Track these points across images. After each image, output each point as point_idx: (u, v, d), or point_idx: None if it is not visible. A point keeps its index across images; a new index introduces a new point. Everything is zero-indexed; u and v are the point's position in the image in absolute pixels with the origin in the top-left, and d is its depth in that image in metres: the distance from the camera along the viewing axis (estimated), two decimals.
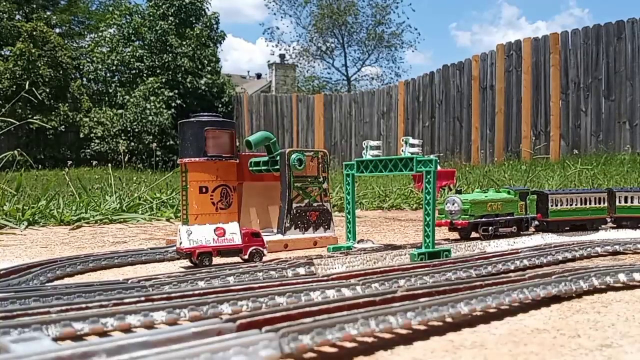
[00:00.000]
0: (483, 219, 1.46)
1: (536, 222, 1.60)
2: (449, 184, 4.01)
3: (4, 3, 14.78)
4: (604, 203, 1.70)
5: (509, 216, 1.53)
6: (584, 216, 1.65)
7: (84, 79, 15.07)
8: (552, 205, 1.60)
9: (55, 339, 0.61)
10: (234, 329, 0.55)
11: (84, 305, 0.71)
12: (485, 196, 1.51)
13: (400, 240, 1.67)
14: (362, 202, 3.33)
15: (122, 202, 2.68)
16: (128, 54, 14.47)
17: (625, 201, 1.71)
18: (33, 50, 12.78)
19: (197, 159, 1.28)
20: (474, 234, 1.51)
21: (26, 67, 12.69)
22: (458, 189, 1.58)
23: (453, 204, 1.46)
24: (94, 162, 8.98)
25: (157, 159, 12.29)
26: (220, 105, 14.00)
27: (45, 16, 16.06)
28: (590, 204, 1.69)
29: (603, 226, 1.70)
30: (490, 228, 1.47)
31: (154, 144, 12.46)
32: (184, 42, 14.36)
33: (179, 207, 2.52)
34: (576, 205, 1.65)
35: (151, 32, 14.41)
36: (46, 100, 12.66)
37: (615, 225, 1.73)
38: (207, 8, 15.32)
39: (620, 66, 7.23)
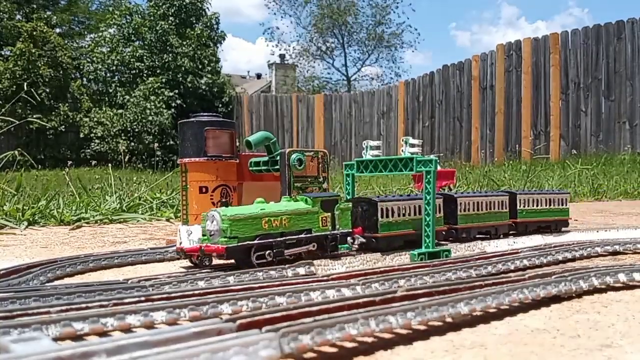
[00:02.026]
0: (257, 241, 1.08)
1: (362, 239, 1.23)
2: (449, 184, 4.01)
3: (4, 3, 14.78)
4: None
5: (303, 234, 1.14)
6: (409, 229, 1.29)
7: (84, 79, 15.06)
8: (382, 217, 1.25)
9: (55, 339, 0.61)
10: (234, 329, 0.55)
11: (84, 305, 0.71)
12: (262, 209, 1.11)
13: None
14: None
15: (122, 202, 2.68)
16: (128, 54, 14.47)
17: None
18: (33, 50, 12.78)
19: (197, 159, 1.29)
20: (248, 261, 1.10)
21: (26, 67, 12.69)
22: (224, 200, 1.18)
23: (212, 222, 1.07)
24: (94, 162, 8.98)
25: (157, 159, 12.28)
26: (220, 105, 14.00)
27: (46, 16, 16.06)
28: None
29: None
30: (269, 253, 1.08)
31: (155, 144, 12.46)
32: (184, 42, 14.36)
33: (179, 207, 2.52)
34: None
35: (151, 32, 14.41)
36: (46, 100, 12.65)
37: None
38: (207, 8, 15.32)
39: (620, 66, 7.23)
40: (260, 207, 1.12)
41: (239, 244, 1.05)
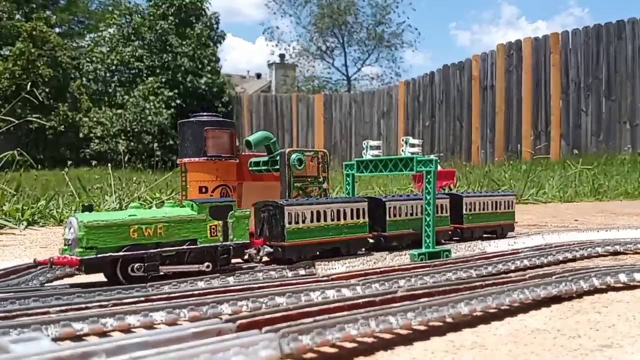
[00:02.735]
0: (123, 253, 0.92)
1: (268, 249, 1.08)
2: (449, 184, 4.01)
3: (4, 2, 14.78)
4: (363, 217, 1.24)
5: (186, 245, 0.98)
6: (324, 237, 1.14)
7: (84, 79, 15.07)
8: (289, 224, 1.09)
9: (55, 339, 0.61)
10: (233, 329, 0.55)
11: (83, 306, 0.71)
12: (131, 215, 0.95)
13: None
14: None
15: (121, 202, 2.68)
16: (128, 53, 14.47)
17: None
18: (33, 50, 12.78)
19: (196, 159, 1.28)
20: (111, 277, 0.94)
21: (26, 67, 12.69)
22: (87, 204, 0.98)
23: (70, 229, 0.92)
24: (94, 162, 8.98)
25: (157, 159, 12.29)
26: (220, 105, 14.00)
27: (45, 16, 16.06)
28: (343, 218, 1.20)
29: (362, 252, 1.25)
30: (138, 267, 0.92)
31: (154, 144, 12.46)
32: (184, 42, 14.37)
33: None
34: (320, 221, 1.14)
35: (151, 31, 14.42)
36: (46, 100, 12.65)
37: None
38: (207, 8, 15.32)
39: (621, 66, 7.23)
40: (130, 212, 0.96)
41: (98, 255, 0.89)
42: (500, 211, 1.47)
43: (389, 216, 1.27)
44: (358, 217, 1.19)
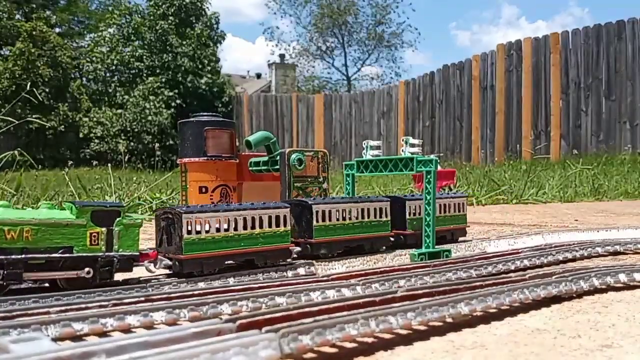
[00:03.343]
0: None
1: (166, 262, 0.95)
2: (449, 184, 4.01)
3: (4, 2, 14.78)
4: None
5: (58, 252, 0.85)
6: (235, 248, 1.00)
7: (84, 79, 15.08)
8: (189, 234, 0.95)
9: (55, 339, 0.61)
10: (233, 329, 0.55)
11: (83, 306, 0.71)
12: None
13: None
14: None
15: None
16: (128, 53, 14.48)
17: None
18: (33, 50, 12.79)
19: (196, 159, 1.28)
20: None
21: (26, 67, 12.70)
22: None
23: None
24: (94, 162, 8.99)
25: (157, 158, 12.29)
26: (220, 105, 14.01)
27: (45, 16, 16.06)
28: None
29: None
30: None
31: (154, 144, 12.46)
32: (184, 42, 14.37)
33: None
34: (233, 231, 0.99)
35: (151, 31, 14.42)
36: (46, 100, 12.66)
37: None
38: (207, 7, 15.33)
39: (621, 66, 7.23)
40: None
41: None
42: (450, 214, 1.37)
43: (316, 221, 1.13)
44: (278, 225, 1.05)
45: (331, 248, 1.15)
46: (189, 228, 0.94)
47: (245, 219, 1.00)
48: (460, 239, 1.45)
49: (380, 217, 1.23)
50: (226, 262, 1.00)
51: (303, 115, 12.47)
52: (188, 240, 0.93)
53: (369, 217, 1.21)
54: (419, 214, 1.27)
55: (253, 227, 1.02)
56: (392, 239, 1.26)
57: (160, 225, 0.98)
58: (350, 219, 1.18)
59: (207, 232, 0.96)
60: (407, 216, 1.29)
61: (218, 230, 0.98)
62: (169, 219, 0.96)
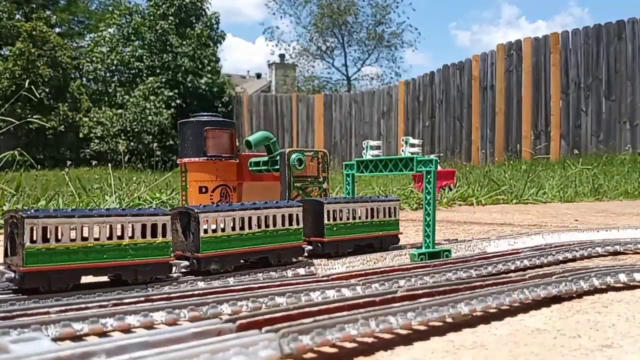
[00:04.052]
0: None
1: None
2: (449, 184, 4.01)
3: (4, 2, 14.79)
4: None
5: None
6: (95, 261, 0.85)
7: (84, 79, 15.09)
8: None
9: (55, 339, 0.61)
10: (233, 329, 0.55)
11: (83, 306, 0.71)
12: None
13: (400, 240, 1.66)
14: None
15: (121, 202, 2.68)
16: (128, 53, 14.49)
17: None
18: (33, 50, 12.79)
19: (196, 159, 1.28)
20: None
21: (26, 67, 12.70)
22: None
23: None
24: (94, 162, 8.99)
25: (157, 158, 12.29)
26: (220, 105, 14.01)
27: (45, 16, 16.07)
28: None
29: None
30: None
31: (154, 144, 12.47)
32: (184, 42, 14.38)
33: None
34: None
35: (151, 31, 14.43)
36: (46, 100, 12.67)
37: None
38: (207, 8, 15.33)
39: (621, 66, 7.23)
40: None
41: None
42: (378, 220, 1.24)
43: (203, 232, 0.96)
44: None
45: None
46: (33, 237, 0.80)
47: (106, 227, 0.86)
48: (461, 238, 1.44)
49: (291, 224, 1.06)
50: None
51: (303, 115, 12.47)
52: (29, 250, 0.79)
53: (275, 224, 1.05)
54: (341, 219, 1.15)
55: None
56: (306, 247, 1.08)
57: (8, 231, 0.84)
58: (244, 228, 1.00)
59: (58, 240, 0.82)
60: (326, 221, 1.13)
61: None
62: (14, 225, 0.82)
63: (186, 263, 0.95)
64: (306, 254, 1.09)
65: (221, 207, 0.98)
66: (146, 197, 2.90)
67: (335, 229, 1.15)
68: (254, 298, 0.78)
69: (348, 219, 1.17)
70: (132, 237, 0.88)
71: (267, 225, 1.03)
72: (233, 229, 0.99)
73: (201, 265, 0.95)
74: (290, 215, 1.07)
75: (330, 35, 25.04)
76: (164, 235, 0.90)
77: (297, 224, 1.07)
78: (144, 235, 0.89)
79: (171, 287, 0.90)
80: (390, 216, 1.26)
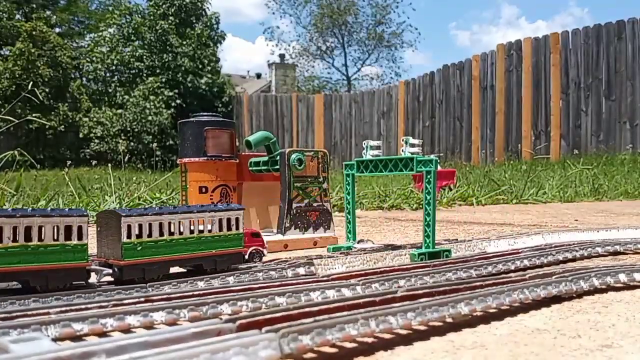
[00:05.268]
0: None
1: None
2: (449, 184, 4.01)
3: (4, 2, 14.79)
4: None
5: None
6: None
7: (84, 79, 15.09)
8: None
9: (55, 340, 0.61)
10: (233, 329, 0.55)
11: (83, 306, 0.71)
12: None
13: (400, 241, 1.67)
14: (362, 202, 3.33)
15: (121, 202, 2.68)
16: (128, 53, 14.49)
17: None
18: (33, 50, 12.80)
19: (196, 159, 1.29)
20: None
21: (26, 67, 12.71)
22: None
23: None
24: (94, 162, 8.99)
25: (157, 158, 12.29)
26: (220, 105, 14.02)
27: (45, 16, 16.08)
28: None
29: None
30: None
31: (154, 144, 12.47)
32: (184, 42, 14.38)
33: None
34: None
35: (151, 31, 14.43)
36: (46, 100, 12.67)
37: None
38: (207, 8, 15.34)
39: (621, 66, 7.23)
40: None
41: None
42: (211, 235, 0.98)
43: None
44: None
45: None
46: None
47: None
48: (461, 238, 1.44)
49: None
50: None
51: (303, 115, 12.48)
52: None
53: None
54: (150, 235, 0.91)
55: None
56: (105, 271, 0.89)
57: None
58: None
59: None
60: (125, 239, 0.88)
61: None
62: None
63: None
64: (104, 280, 0.90)
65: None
66: (146, 197, 2.90)
67: (139, 248, 0.90)
68: (254, 298, 0.78)
69: (161, 234, 0.92)
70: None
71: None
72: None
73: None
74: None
75: (330, 35, 25.05)
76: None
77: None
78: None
79: (171, 287, 0.90)
80: (230, 229, 1.00)
